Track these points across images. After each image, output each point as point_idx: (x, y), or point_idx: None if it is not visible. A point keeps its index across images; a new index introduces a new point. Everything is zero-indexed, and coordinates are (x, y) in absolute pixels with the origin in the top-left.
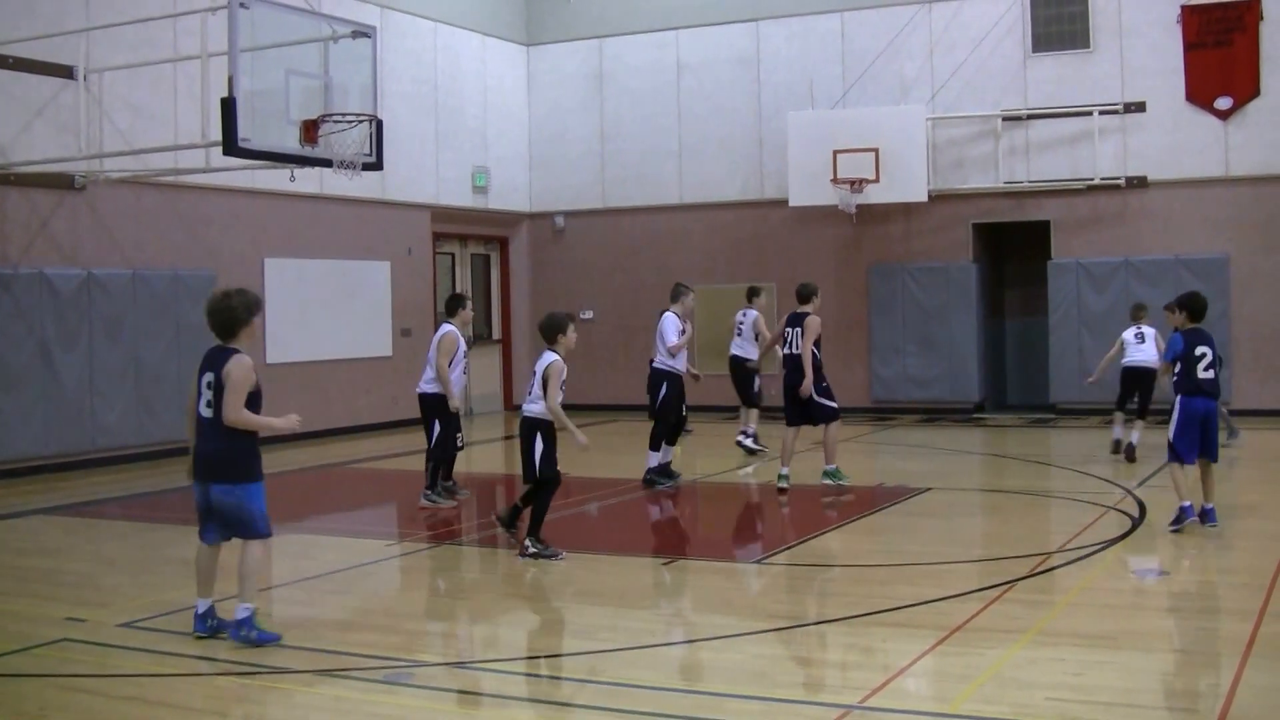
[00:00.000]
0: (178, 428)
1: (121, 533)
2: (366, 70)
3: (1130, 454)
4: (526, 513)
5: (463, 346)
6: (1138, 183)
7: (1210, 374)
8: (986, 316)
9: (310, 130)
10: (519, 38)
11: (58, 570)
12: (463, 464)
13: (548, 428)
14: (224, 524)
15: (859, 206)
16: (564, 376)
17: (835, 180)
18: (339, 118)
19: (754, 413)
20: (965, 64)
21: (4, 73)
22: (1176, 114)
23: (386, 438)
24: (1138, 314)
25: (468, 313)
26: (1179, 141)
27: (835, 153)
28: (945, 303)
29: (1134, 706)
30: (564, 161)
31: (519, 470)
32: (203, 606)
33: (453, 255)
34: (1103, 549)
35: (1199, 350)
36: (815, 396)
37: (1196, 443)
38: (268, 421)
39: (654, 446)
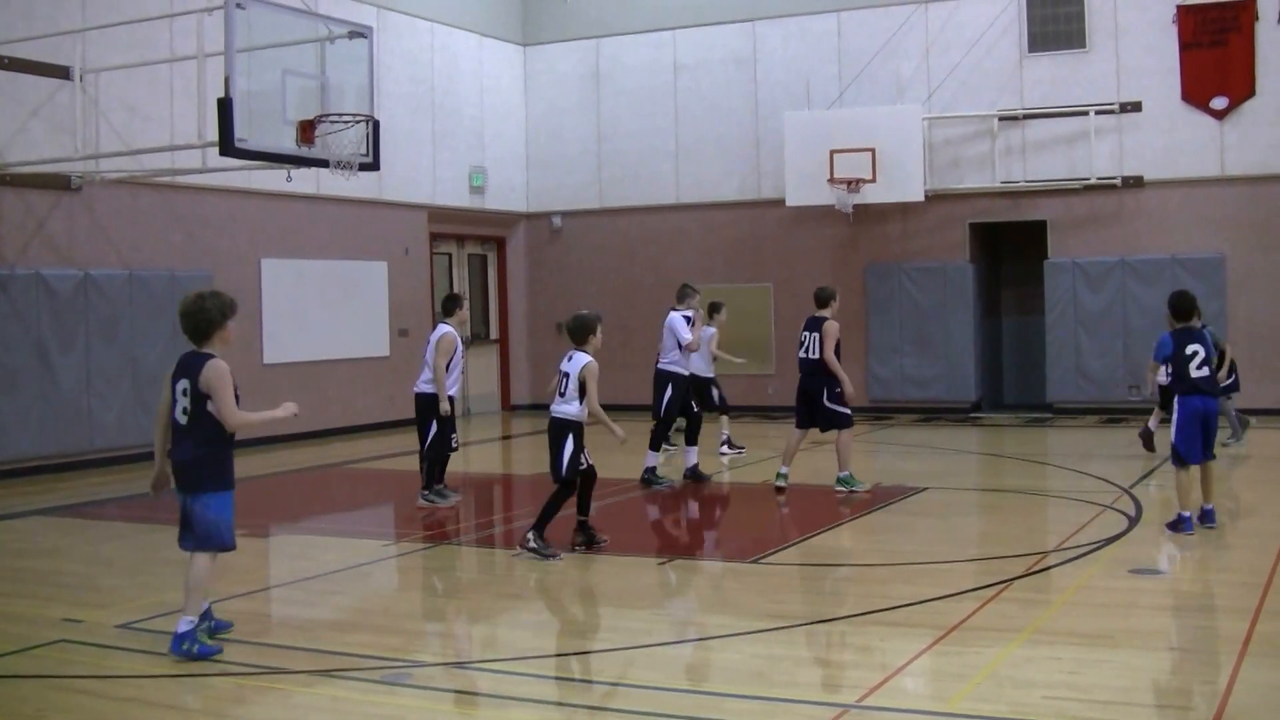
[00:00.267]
0: None
1: (119, 533)
2: (363, 70)
3: (1148, 441)
4: (576, 507)
5: (460, 347)
6: (1134, 182)
7: (1204, 372)
8: (983, 316)
9: (307, 131)
10: (516, 38)
11: (55, 571)
12: (460, 464)
13: (579, 430)
14: (188, 534)
15: (856, 206)
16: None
17: (832, 180)
18: (336, 118)
19: (725, 419)
20: (961, 64)
21: (0, 73)
22: (1172, 114)
23: (384, 438)
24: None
25: (464, 312)
26: (1175, 141)
27: (832, 153)
28: (942, 302)
29: (1130, 705)
30: (561, 161)
31: (515, 470)
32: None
33: (450, 255)
34: (1099, 548)
35: (1190, 349)
36: (827, 403)
37: (1199, 441)
38: (269, 415)
39: (654, 446)
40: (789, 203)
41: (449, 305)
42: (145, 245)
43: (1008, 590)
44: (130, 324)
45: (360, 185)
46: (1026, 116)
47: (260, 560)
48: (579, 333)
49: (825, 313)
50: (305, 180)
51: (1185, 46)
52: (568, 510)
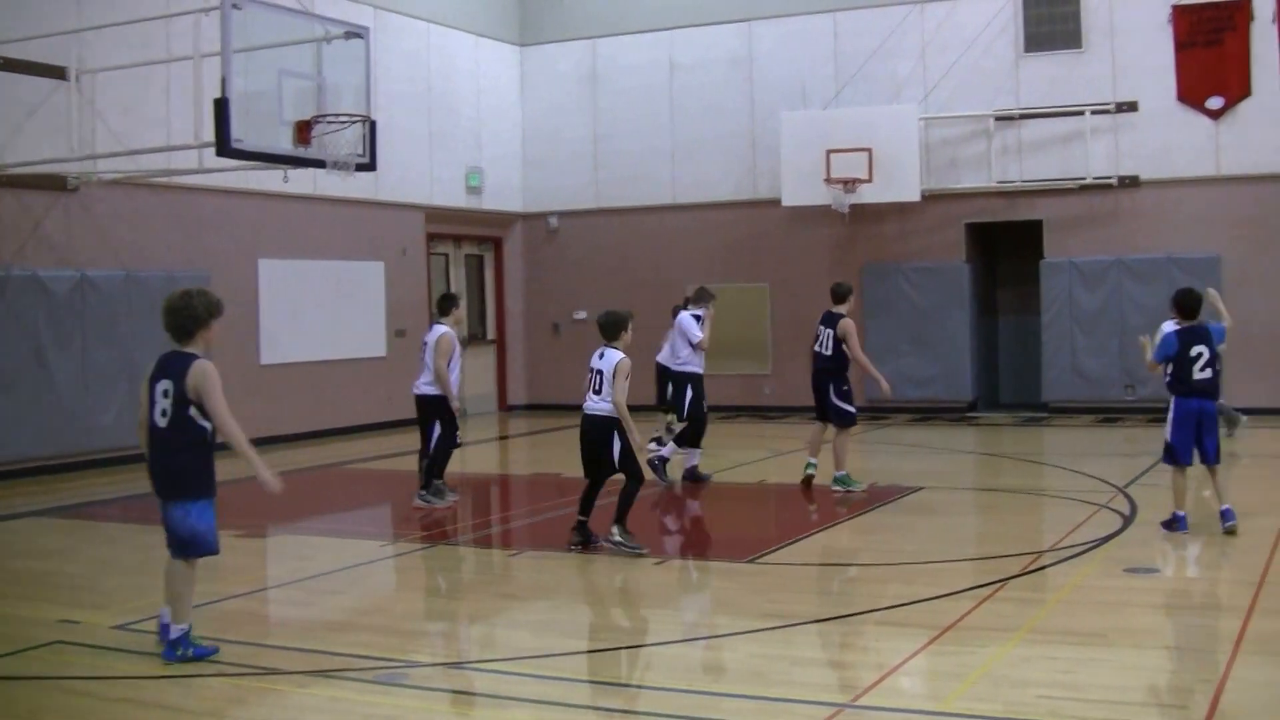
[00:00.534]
0: None
1: (116, 534)
2: (360, 71)
3: None
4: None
5: (458, 347)
6: (1130, 182)
7: (1207, 374)
8: (979, 316)
9: (304, 131)
10: (512, 38)
11: (52, 572)
12: (457, 464)
13: (619, 424)
14: (171, 541)
15: (852, 206)
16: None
17: (828, 180)
18: (332, 118)
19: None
20: (958, 64)
21: None
22: (1168, 113)
23: (381, 438)
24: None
25: (460, 312)
26: (1171, 141)
27: (828, 152)
28: (938, 302)
29: (1125, 704)
30: (557, 161)
31: (512, 470)
32: (168, 616)
33: (447, 255)
34: (1094, 547)
35: (1194, 350)
36: (835, 399)
37: (1192, 442)
38: (255, 460)
39: (692, 444)
40: (785, 203)
41: (445, 305)
42: (142, 246)
43: (1003, 589)
44: (127, 325)
45: (357, 185)
46: (1023, 116)
47: (257, 560)
48: (611, 329)
49: (842, 309)
50: (302, 180)
51: (1181, 46)
52: (568, 509)
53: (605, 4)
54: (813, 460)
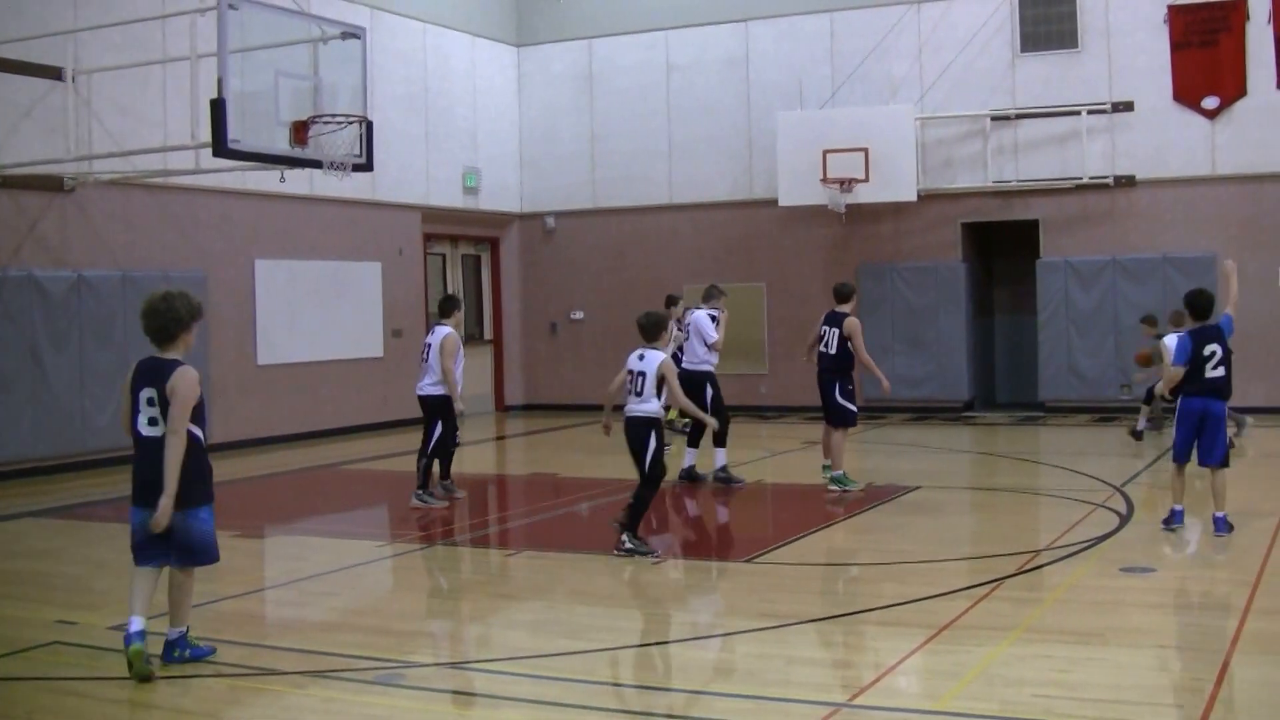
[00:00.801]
0: None
1: (112, 535)
2: (356, 71)
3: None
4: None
5: (462, 347)
6: (1125, 182)
7: (1220, 371)
8: (975, 315)
9: (300, 131)
10: (509, 38)
11: (48, 573)
12: (454, 464)
13: (659, 426)
14: (175, 551)
15: (848, 206)
16: None
17: (825, 180)
18: (329, 119)
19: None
20: (954, 64)
21: None
22: (1164, 113)
23: (378, 439)
24: (1178, 319)
25: (460, 314)
26: (1166, 141)
27: (825, 152)
28: (934, 302)
29: (1121, 702)
30: (554, 162)
31: (509, 471)
32: (138, 625)
33: (443, 256)
34: (1090, 546)
35: (1208, 349)
36: (838, 398)
37: (1191, 440)
38: (170, 480)
39: (719, 443)
40: (782, 202)
41: (447, 307)
42: (138, 246)
43: (999, 589)
44: (124, 325)
45: (354, 186)
46: (1019, 116)
47: (254, 561)
48: (652, 330)
49: (846, 308)
50: (299, 181)
51: (1176, 46)
52: (565, 510)
53: (601, 4)
54: (828, 463)
